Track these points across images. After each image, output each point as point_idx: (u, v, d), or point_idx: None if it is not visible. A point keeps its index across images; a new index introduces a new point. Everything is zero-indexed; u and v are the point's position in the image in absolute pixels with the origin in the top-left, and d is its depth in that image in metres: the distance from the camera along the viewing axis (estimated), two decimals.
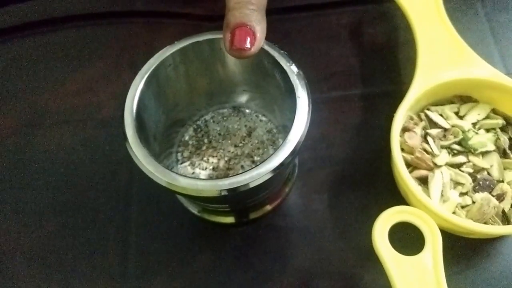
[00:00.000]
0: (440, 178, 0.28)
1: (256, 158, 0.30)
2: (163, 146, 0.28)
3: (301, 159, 0.32)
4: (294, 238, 0.29)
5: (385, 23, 0.37)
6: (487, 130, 0.30)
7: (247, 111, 0.32)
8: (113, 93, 0.35)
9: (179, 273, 0.29)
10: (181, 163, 0.30)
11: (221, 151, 0.30)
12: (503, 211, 0.27)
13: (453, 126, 0.30)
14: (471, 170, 0.28)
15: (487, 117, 0.30)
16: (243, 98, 0.31)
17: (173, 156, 0.30)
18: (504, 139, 0.29)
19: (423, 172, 0.28)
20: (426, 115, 0.30)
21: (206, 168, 0.30)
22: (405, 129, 0.30)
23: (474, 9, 0.37)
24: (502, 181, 0.28)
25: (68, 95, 0.35)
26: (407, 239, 0.25)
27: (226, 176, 0.29)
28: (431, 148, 0.29)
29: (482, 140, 0.29)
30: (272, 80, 0.26)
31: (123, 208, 0.31)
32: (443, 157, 0.29)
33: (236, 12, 0.23)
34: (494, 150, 0.29)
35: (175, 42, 0.26)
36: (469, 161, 0.29)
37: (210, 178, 0.29)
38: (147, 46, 0.37)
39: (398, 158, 0.27)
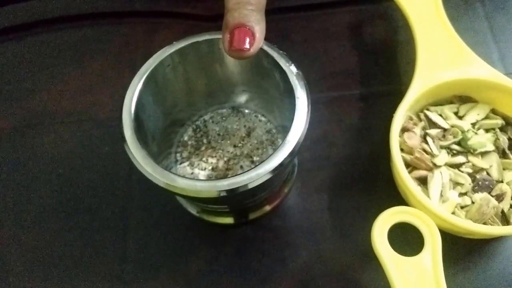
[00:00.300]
0: (439, 179, 0.28)
1: (255, 159, 0.30)
2: (162, 146, 0.28)
3: (301, 159, 0.32)
4: (293, 239, 0.29)
5: (385, 23, 0.37)
6: (487, 130, 0.30)
7: (246, 111, 0.32)
8: (112, 94, 0.35)
9: (178, 274, 0.29)
10: (180, 164, 0.30)
11: (220, 151, 0.30)
12: (503, 212, 0.27)
13: (452, 126, 0.30)
14: (470, 170, 0.28)
15: (486, 117, 0.30)
16: (242, 98, 0.31)
17: (172, 157, 0.30)
18: (503, 139, 0.29)
19: (422, 173, 0.28)
20: (426, 115, 0.30)
21: (205, 169, 0.30)
22: (404, 129, 0.29)
23: (474, 9, 0.37)
24: (502, 182, 0.28)
25: (66, 96, 0.35)
26: (407, 239, 0.25)
27: (225, 176, 0.29)
28: (431, 148, 0.29)
29: (482, 140, 0.29)
30: (271, 80, 0.26)
31: (121, 209, 0.31)
32: (442, 157, 0.29)
33: (235, 13, 0.23)
34: (493, 150, 0.29)
35: (174, 42, 0.26)
36: (468, 161, 0.29)
37: (209, 178, 0.29)
38: (146, 46, 0.37)
39: (397, 158, 0.27)
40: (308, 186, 0.31)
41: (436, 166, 0.28)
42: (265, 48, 0.25)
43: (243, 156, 0.30)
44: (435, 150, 0.29)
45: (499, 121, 0.30)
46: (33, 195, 0.31)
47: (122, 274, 0.29)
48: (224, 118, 0.32)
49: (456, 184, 0.28)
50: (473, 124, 0.30)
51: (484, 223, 0.26)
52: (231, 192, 0.21)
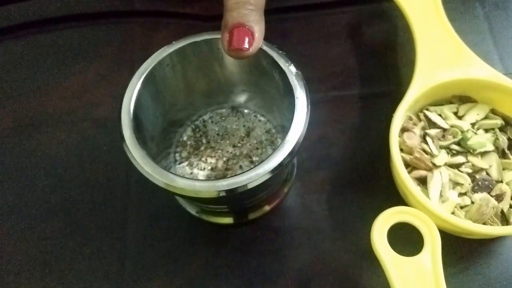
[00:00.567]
0: (439, 179, 0.28)
1: (254, 159, 0.30)
2: (161, 146, 0.28)
3: (300, 160, 0.32)
4: (293, 239, 0.29)
5: (384, 23, 0.37)
6: (486, 130, 0.30)
7: (246, 111, 0.32)
8: (111, 93, 0.35)
9: (177, 274, 0.29)
10: (179, 164, 0.30)
11: (220, 151, 0.30)
12: (502, 212, 0.27)
13: (452, 126, 0.30)
14: (470, 171, 0.28)
15: (486, 117, 0.30)
16: (241, 98, 0.31)
17: (171, 157, 0.30)
18: (503, 139, 0.29)
19: (422, 173, 0.28)
20: (425, 115, 0.30)
21: (204, 169, 0.30)
22: (404, 129, 0.29)
23: (473, 9, 0.37)
24: (501, 182, 0.28)
25: (65, 95, 0.35)
26: (406, 239, 0.25)
27: (225, 176, 0.29)
28: (430, 148, 0.29)
29: (481, 140, 0.29)
30: (270, 80, 0.26)
31: (120, 209, 0.31)
32: (442, 157, 0.29)
33: (235, 12, 0.22)
34: (493, 151, 0.29)
35: (173, 42, 0.26)
36: (468, 161, 0.29)
37: (208, 178, 0.29)
38: (145, 46, 0.37)
39: (397, 158, 0.27)
40: (308, 186, 0.31)
41: (435, 166, 0.28)
42: (265, 48, 0.24)
43: (243, 156, 0.30)
44: (434, 150, 0.29)
45: (499, 121, 0.30)
46: (32, 195, 0.31)
47: (121, 274, 0.29)
48: (223, 118, 0.32)
49: (455, 184, 0.28)
50: (473, 124, 0.30)
51: (484, 223, 0.26)
52: (231, 192, 0.21)
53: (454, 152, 0.29)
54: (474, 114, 0.30)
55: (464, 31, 0.32)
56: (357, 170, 0.31)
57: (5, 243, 0.30)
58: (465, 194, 0.28)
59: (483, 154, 0.29)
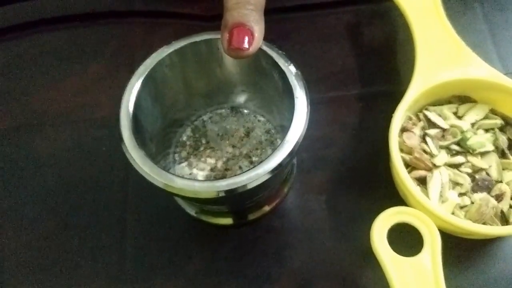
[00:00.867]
0: (438, 179, 0.28)
1: (254, 159, 0.30)
2: (160, 146, 0.28)
3: (300, 160, 0.32)
4: (293, 239, 0.29)
5: (384, 23, 0.37)
6: (486, 130, 0.30)
7: (245, 111, 0.32)
8: (110, 93, 0.35)
9: (177, 274, 0.29)
10: (179, 164, 0.30)
11: (219, 151, 0.30)
12: (502, 212, 0.27)
13: (451, 126, 0.30)
14: (469, 171, 0.28)
15: (485, 117, 0.30)
16: (241, 99, 0.31)
17: (170, 157, 0.30)
18: (502, 139, 0.29)
19: (421, 173, 0.28)
20: (425, 115, 0.30)
21: (203, 169, 0.30)
22: (403, 129, 0.29)
23: (473, 9, 0.37)
24: (501, 182, 0.28)
25: (64, 95, 0.35)
26: (406, 240, 0.25)
27: (224, 176, 0.29)
28: (430, 149, 0.29)
29: (481, 140, 0.29)
30: (270, 80, 0.26)
31: (119, 210, 0.30)
32: (441, 158, 0.29)
33: (234, 12, 0.22)
34: (492, 151, 0.29)
35: (173, 42, 0.25)
36: (467, 161, 0.29)
37: (207, 179, 0.29)
38: (145, 46, 0.37)
39: (396, 158, 0.27)
40: (307, 186, 0.31)
41: (435, 166, 0.28)
42: (264, 48, 0.24)
43: (242, 156, 0.30)
44: (434, 150, 0.29)
45: (498, 121, 0.30)
46: (30, 195, 0.31)
47: (121, 274, 0.29)
48: (223, 118, 0.31)
49: (455, 184, 0.28)
50: (473, 124, 0.30)
51: (484, 223, 0.26)
52: (230, 192, 0.21)
53: (453, 152, 0.29)
54: (474, 114, 0.30)
55: (464, 31, 0.32)
56: (357, 170, 0.31)
57: (4, 243, 0.30)
58: (465, 194, 0.28)
59: (483, 154, 0.29)
